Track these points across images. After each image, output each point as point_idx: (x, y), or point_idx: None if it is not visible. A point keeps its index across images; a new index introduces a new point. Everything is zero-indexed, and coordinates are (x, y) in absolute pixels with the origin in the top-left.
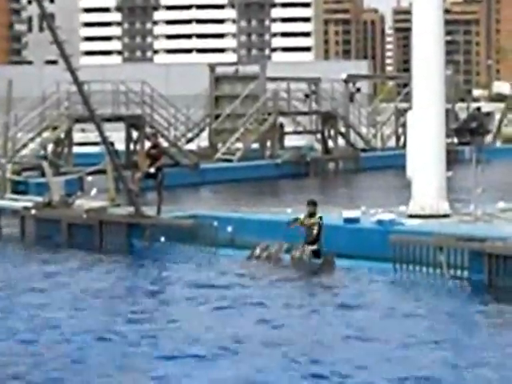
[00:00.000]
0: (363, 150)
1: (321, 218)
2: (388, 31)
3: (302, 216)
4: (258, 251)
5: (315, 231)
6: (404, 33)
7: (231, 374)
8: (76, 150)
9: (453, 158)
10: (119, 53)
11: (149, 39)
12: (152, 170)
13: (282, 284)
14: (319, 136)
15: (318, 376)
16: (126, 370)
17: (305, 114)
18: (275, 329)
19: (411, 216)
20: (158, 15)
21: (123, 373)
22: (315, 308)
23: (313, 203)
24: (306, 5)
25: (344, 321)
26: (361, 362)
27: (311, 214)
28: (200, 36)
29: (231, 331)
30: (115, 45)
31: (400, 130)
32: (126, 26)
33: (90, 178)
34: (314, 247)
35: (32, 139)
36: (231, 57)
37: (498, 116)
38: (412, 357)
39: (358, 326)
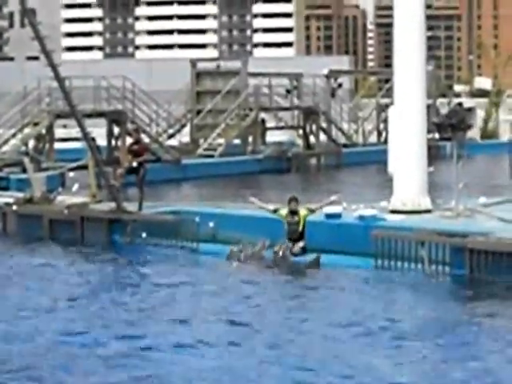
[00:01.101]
0: (345, 146)
1: (313, 211)
2: (369, 27)
3: (283, 211)
4: (237, 250)
5: (301, 228)
6: (385, 28)
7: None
8: (57, 145)
9: (434, 154)
10: (100, 48)
11: (130, 35)
12: (134, 163)
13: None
14: (301, 131)
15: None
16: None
17: (286, 109)
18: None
19: (393, 211)
20: (140, 11)
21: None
22: (301, 305)
23: (295, 199)
24: (288, 0)
25: (324, 317)
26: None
27: (293, 212)
28: (181, 32)
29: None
30: (97, 40)
31: (381, 126)
32: (107, 21)
33: (71, 174)
34: (302, 244)
35: (13, 135)
36: (213, 52)
37: (479, 111)
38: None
39: (338, 323)
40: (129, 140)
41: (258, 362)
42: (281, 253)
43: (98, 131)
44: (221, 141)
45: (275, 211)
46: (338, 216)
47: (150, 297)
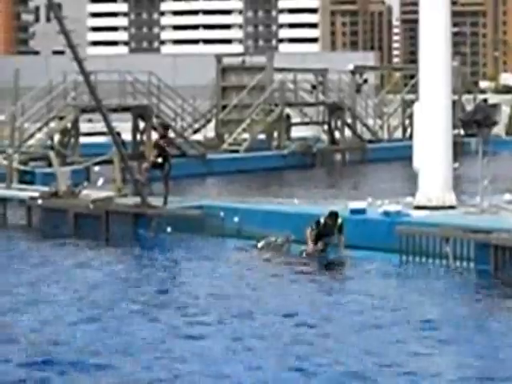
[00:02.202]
0: (370, 141)
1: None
2: (395, 22)
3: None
4: (262, 244)
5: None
6: (411, 24)
7: None
8: (83, 140)
9: (459, 150)
10: (126, 43)
11: (156, 30)
12: (159, 160)
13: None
14: (326, 127)
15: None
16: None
17: (311, 105)
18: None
19: (417, 207)
20: (165, 6)
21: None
22: (326, 298)
23: (335, 215)
24: None
25: (352, 309)
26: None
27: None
28: (207, 27)
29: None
30: (122, 35)
31: (407, 122)
32: (132, 16)
33: (96, 169)
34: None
35: (39, 129)
36: (238, 48)
37: (504, 108)
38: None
39: (369, 316)
40: (154, 135)
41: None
42: (306, 251)
43: (124, 126)
44: (246, 136)
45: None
46: (362, 211)
47: (175, 291)
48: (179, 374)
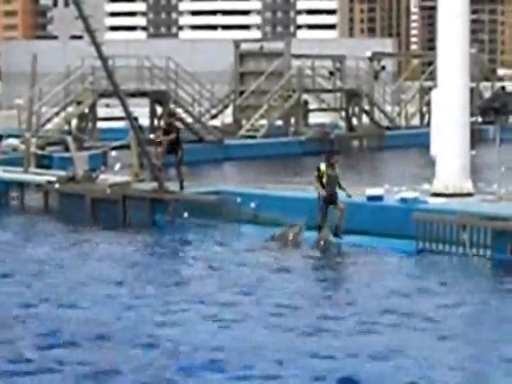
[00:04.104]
0: (387, 128)
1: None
2: (413, 9)
3: (322, 166)
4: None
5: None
6: (429, 11)
7: None
8: (100, 124)
9: (477, 137)
10: (144, 28)
11: (174, 15)
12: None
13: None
14: (343, 114)
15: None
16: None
17: (329, 91)
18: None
19: (435, 194)
20: None
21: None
22: (342, 283)
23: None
24: None
25: (371, 297)
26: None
27: (332, 164)
28: (225, 12)
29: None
30: (140, 20)
31: (424, 109)
32: (151, 1)
33: (113, 153)
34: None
35: (56, 114)
36: (256, 33)
37: None
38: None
39: (386, 303)
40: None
41: None
42: (322, 242)
43: (141, 111)
44: (263, 122)
45: (319, 171)
46: (379, 198)
47: (192, 276)
48: None
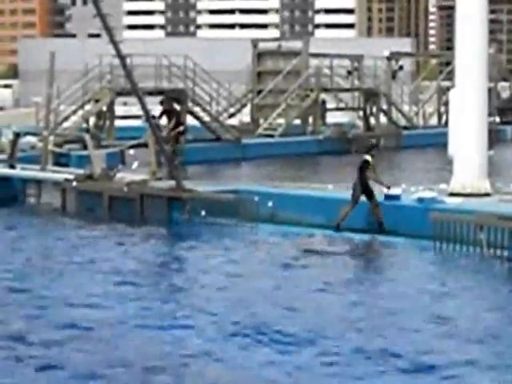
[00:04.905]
0: (405, 128)
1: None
2: (432, 9)
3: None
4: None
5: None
6: (447, 11)
7: None
8: (118, 123)
9: (494, 137)
10: (162, 27)
11: (192, 14)
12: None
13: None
14: (361, 113)
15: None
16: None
17: (347, 90)
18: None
19: (452, 194)
20: None
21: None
22: (356, 284)
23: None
24: None
25: (384, 295)
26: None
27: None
28: (243, 11)
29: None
30: (158, 19)
31: (442, 109)
32: (169, 0)
33: (131, 152)
34: None
35: (74, 112)
36: (274, 32)
37: None
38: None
39: (399, 302)
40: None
41: None
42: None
43: (159, 109)
44: (281, 121)
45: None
46: (397, 198)
47: (209, 275)
48: None
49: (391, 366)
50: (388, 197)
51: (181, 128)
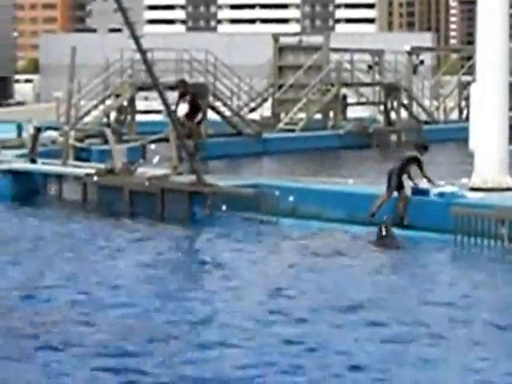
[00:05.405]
0: (426, 123)
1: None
2: (452, 3)
3: None
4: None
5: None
6: (468, 5)
7: None
8: (139, 118)
9: None
10: (183, 22)
11: (213, 9)
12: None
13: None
14: (382, 108)
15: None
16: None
17: (368, 85)
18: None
19: (473, 189)
20: None
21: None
22: (384, 276)
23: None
24: None
25: (411, 287)
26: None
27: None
28: (264, 6)
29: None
30: (179, 14)
31: (463, 103)
32: None
33: (152, 146)
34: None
35: (95, 106)
36: (295, 27)
37: None
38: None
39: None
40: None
41: None
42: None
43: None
44: (302, 115)
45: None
46: (426, 193)
47: (233, 269)
48: None
49: None
50: (417, 191)
51: (198, 116)
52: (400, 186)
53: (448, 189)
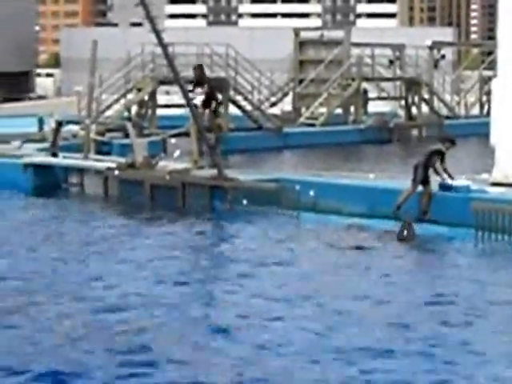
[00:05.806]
0: (447, 118)
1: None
2: None
3: None
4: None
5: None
6: (489, 1)
7: None
8: (160, 112)
9: None
10: (204, 16)
11: (234, 3)
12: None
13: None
14: (403, 102)
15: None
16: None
17: (389, 80)
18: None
19: (494, 184)
20: None
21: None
22: (397, 276)
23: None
24: None
25: (427, 285)
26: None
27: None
28: (285, 0)
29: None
30: (200, 8)
31: (484, 98)
32: None
33: (173, 140)
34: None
35: (116, 100)
36: (316, 22)
37: None
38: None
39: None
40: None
41: None
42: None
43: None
44: (323, 110)
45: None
46: (451, 189)
47: (252, 264)
48: None
49: None
50: (444, 187)
51: (213, 104)
52: (425, 181)
53: (462, 183)
